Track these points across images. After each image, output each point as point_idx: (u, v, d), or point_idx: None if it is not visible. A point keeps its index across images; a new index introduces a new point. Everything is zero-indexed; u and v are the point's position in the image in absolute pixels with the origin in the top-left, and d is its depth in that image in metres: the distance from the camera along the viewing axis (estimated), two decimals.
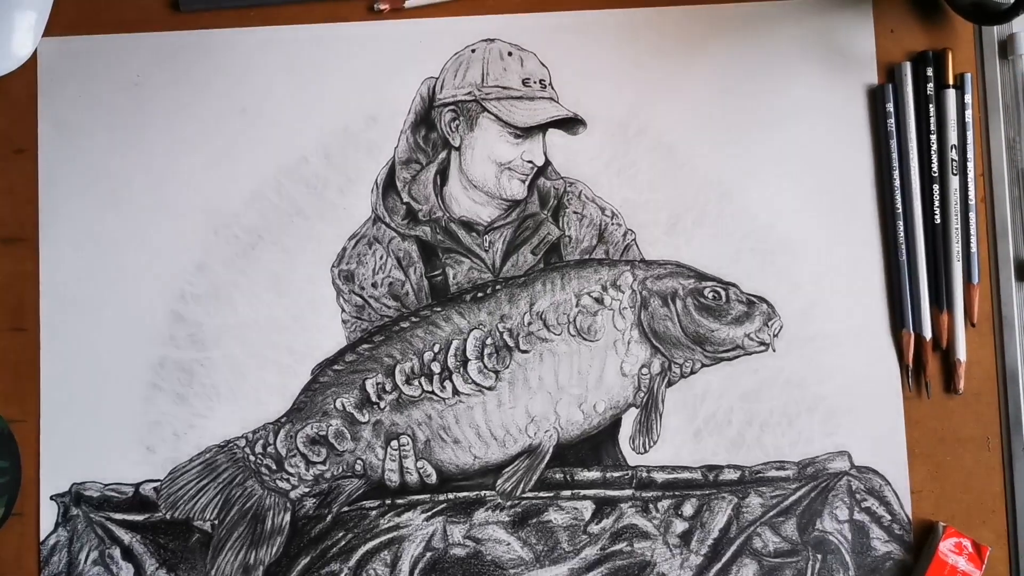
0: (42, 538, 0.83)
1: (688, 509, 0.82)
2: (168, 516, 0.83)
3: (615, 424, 0.84)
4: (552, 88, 0.85)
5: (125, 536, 0.83)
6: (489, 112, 0.85)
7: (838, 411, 0.83)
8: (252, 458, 0.83)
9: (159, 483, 0.83)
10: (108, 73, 0.86)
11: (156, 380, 0.84)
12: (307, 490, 0.83)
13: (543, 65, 0.85)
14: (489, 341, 0.83)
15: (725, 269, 0.84)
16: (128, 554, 0.83)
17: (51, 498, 0.83)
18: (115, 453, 0.84)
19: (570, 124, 0.85)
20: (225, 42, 0.86)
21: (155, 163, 0.85)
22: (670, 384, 0.83)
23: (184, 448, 0.84)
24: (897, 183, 0.83)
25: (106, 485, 0.83)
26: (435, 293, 0.85)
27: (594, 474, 0.83)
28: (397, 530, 0.82)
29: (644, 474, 0.83)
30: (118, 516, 0.83)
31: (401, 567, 0.82)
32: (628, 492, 0.83)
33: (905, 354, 0.83)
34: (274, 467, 0.83)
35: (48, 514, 0.83)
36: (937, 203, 0.83)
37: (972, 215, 0.82)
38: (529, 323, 0.83)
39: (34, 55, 0.86)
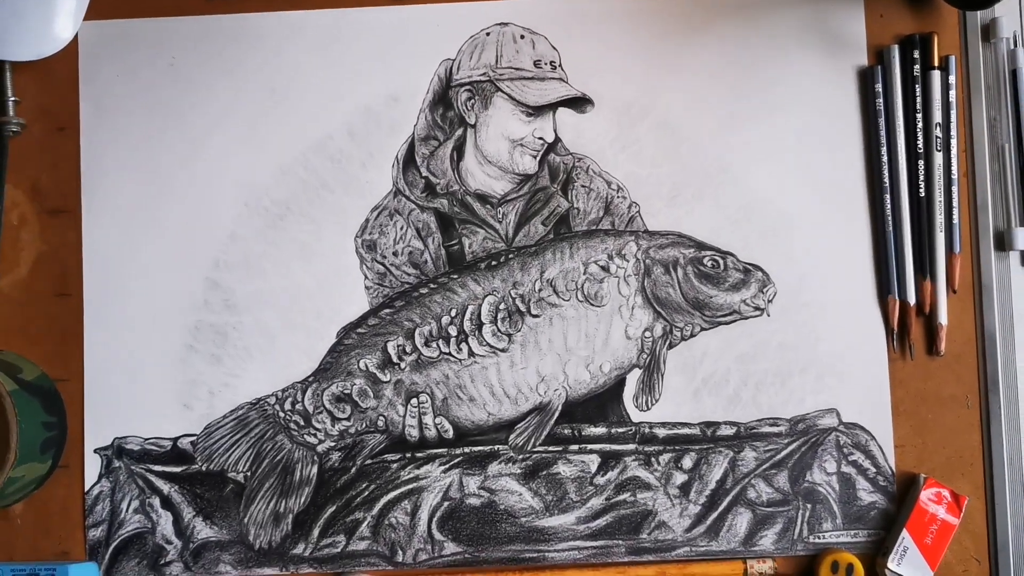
0: (87, 488, 0.86)
1: (687, 462, 0.86)
2: (204, 468, 0.86)
3: (620, 383, 0.87)
4: (562, 69, 0.88)
5: (164, 486, 0.86)
6: (503, 92, 0.88)
7: (828, 372, 0.86)
8: (281, 415, 0.87)
9: (195, 437, 0.87)
10: (145, 55, 0.89)
11: (192, 342, 0.87)
12: (333, 444, 0.87)
13: (553, 48, 0.88)
14: (502, 306, 0.86)
15: (723, 239, 0.87)
16: (167, 503, 0.86)
17: (95, 451, 0.87)
18: (154, 409, 0.87)
19: (578, 103, 0.88)
20: (255, 26, 0.89)
21: (190, 140, 0.88)
22: (671, 346, 0.87)
23: (218, 405, 0.87)
24: (885, 159, 0.86)
25: (146, 439, 0.87)
26: (452, 261, 0.88)
27: (600, 430, 0.86)
28: (417, 481, 0.86)
29: (647, 430, 0.86)
30: (157, 468, 0.86)
31: (420, 515, 0.86)
32: (631, 446, 0.86)
33: (891, 319, 0.86)
34: (302, 423, 0.87)
35: (92, 466, 0.86)
36: (922, 178, 0.85)
37: (955, 189, 0.85)
38: (540, 289, 0.87)
39: (75, 38, 0.88)
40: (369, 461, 0.87)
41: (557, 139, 0.89)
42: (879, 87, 0.87)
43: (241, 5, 0.89)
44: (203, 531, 0.86)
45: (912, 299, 0.86)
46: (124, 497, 0.87)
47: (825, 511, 0.85)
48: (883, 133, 0.87)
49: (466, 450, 0.87)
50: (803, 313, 0.87)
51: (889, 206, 0.86)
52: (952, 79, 0.86)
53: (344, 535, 0.86)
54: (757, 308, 0.87)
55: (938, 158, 0.86)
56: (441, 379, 0.87)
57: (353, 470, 0.87)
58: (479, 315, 0.87)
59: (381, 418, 0.87)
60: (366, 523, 0.86)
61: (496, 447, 0.87)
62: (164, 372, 0.88)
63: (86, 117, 0.89)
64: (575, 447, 0.87)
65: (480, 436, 0.87)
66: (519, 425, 0.86)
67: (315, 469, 0.87)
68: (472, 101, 0.89)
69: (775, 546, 0.85)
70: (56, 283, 0.88)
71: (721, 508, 0.86)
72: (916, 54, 0.87)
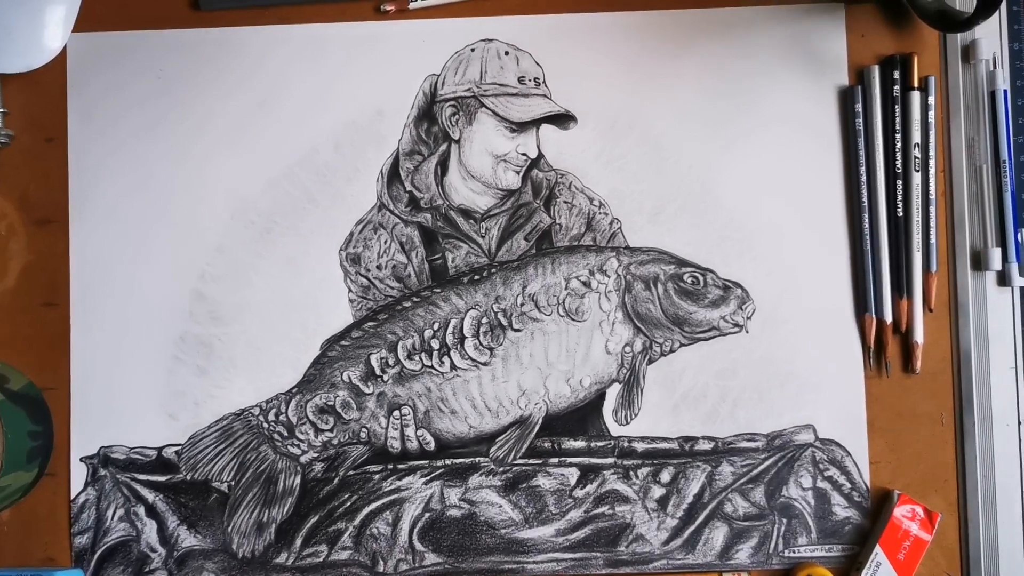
0: (73, 496, 0.87)
1: (665, 476, 0.87)
2: (188, 477, 0.87)
3: (600, 398, 0.88)
4: (546, 85, 0.89)
5: (149, 495, 0.87)
6: (487, 108, 0.89)
7: (805, 388, 0.87)
8: (265, 425, 0.88)
9: (180, 447, 0.87)
10: (133, 67, 0.89)
11: (178, 353, 0.88)
12: (316, 455, 0.88)
13: (537, 64, 0.89)
14: (484, 320, 0.87)
15: (703, 256, 0.88)
16: (152, 511, 0.87)
17: (81, 460, 0.87)
18: (140, 419, 0.88)
19: (562, 119, 0.88)
20: (242, 39, 0.89)
21: (177, 152, 0.89)
22: (651, 362, 0.88)
23: (203, 416, 0.88)
24: (864, 178, 0.87)
25: (131, 448, 0.87)
26: (435, 275, 0.89)
27: (580, 443, 0.87)
28: (398, 493, 0.87)
29: (626, 444, 0.87)
30: (142, 477, 0.87)
31: (402, 526, 0.87)
32: (611, 460, 0.87)
33: (867, 336, 0.87)
34: (286, 434, 0.88)
35: (78, 474, 0.87)
36: (900, 197, 0.86)
37: (932, 209, 0.86)
38: (522, 304, 0.87)
39: (64, 50, 0.88)
40: (352, 472, 0.88)
41: (540, 155, 0.89)
42: (859, 107, 0.88)
43: (229, 19, 0.90)
44: (187, 540, 0.87)
45: (889, 317, 0.87)
46: (109, 505, 0.88)
47: (800, 526, 0.86)
48: (862, 152, 0.87)
49: (447, 462, 0.88)
50: (781, 330, 0.88)
51: (867, 225, 0.87)
52: (931, 100, 0.87)
53: (326, 545, 0.87)
54: (736, 324, 0.88)
55: (916, 178, 0.87)
56: (423, 392, 0.87)
57: (336, 481, 0.88)
58: (461, 329, 0.87)
59: (364, 430, 0.88)
60: (348, 533, 0.87)
61: (477, 459, 0.88)
62: (150, 382, 0.88)
63: (74, 128, 0.90)
64: (555, 460, 0.87)
65: (461, 448, 0.88)
66: (500, 438, 0.87)
67: (298, 479, 0.88)
68: (456, 116, 0.89)
69: (751, 560, 0.86)
70: (44, 293, 0.89)
71: (698, 522, 0.87)
72: (896, 75, 0.87)
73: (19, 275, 0.89)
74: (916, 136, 0.87)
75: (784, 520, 0.86)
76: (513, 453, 0.87)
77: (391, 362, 0.88)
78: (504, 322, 0.87)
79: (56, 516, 0.88)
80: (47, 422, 0.88)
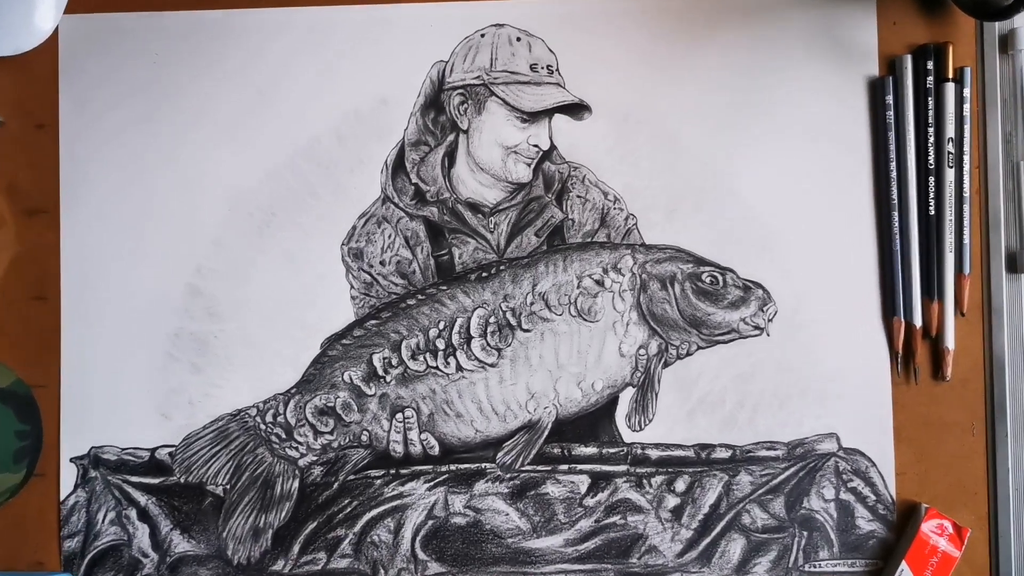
0: (62, 498, 0.85)
1: (680, 485, 0.84)
2: (182, 480, 0.85)
3: (612, 402, 0.85)
4: (559, 74, 0.86)
5: (141, 498, 0.85)
6: (497, 96, 0.86)
7: (828, 394, 0.84)
8: (263, 427, 0.85)
9: (174, 448, 0.85)
10: (128, 51, 0.87)
11: (172, 350, 0.86)
12: (315, 458, 0.85)
13: (551, 51, 0.86)
14: (492, 319, 0.85)
15: (723, 255, 0.85)
16: (144, 515, 0.85)
17: (71, 460, 0.85)
18: (132, 419, 0.86)
19: (576, 110, 0.85)
20: (242, 23, 0.87)
21: (173, 140, 0.86)
22: (666, 365, 0.85)
23: (198, 416, 0.85)
24: (894, 174, 0.84)
25: (123, 449, 0.85)
26: (441, 272, 0.86)
27: (591, 450, 0.85)
28: (401, 499, 0.85)
29: (639, 451, 0.84)
30: (134, 479, 0.85)
31: (404, 534, 0.84)
32: (623, 468, 0.84)
33: (895, 341, 0.84)
34: (284, 436, 0.85)
35: (68, 475, 0.85)
36: (932, 195, 0.83)
37: (966, 207, 0.83)
38: (531, 303, 0.85)
39: (56, 33, 0.87)
40: (352, 477, 0.85)
41: (552, 147, 0.86)
42: (890, 99, 0.84)
43: (228, 1, 0.87)
44: (180, 545, 0.85)
45: (918, 321, 0.84)
46: (100, 508, 0.86)
47: (822, 539, 0.84)
48: (893, 147, 0.84)
49: (452, 467, 0.85)
50: (804, 333, 0.85)
51: (897, 224, 0.84)
52: (967, 92, 0.84)
53: (325, 552, 0.85)
54: (756, 327, 0.84)
55: (949, 175, 0.84)
56: (427, 394, 0.85)
57: (335, 485, 0.85)
58: (468, 328, 0.85)
59: (365, 432, 0.85)
60: (348, 540, 0.85)
61: (483, 465, 0.85)
62: (143, 380, 0.86)
63: (66, 114, 0.87)
64: (564, 467, 0.85)
65: (467, 453, 0.85)
66: (507, 443, 0.85)
67: (296, 484, 0.85)
68: (465, 105, 0.86)
69: (769, 574, 0.84)
70: (33, 286, 0.87)
71: (714, 533, 0.84)
72: (930, 65, 0.84)
73: (8, 267, 0.87)
74: (950, 130, 0.84)
75: (805, 533, 0.84)
76: (521, 459, 0.85)
77: (394, 362, 0.85)
78: (513, 322, 0.85)
79: (45, 519, 0.86)
80: (36, 421, 0.86)
